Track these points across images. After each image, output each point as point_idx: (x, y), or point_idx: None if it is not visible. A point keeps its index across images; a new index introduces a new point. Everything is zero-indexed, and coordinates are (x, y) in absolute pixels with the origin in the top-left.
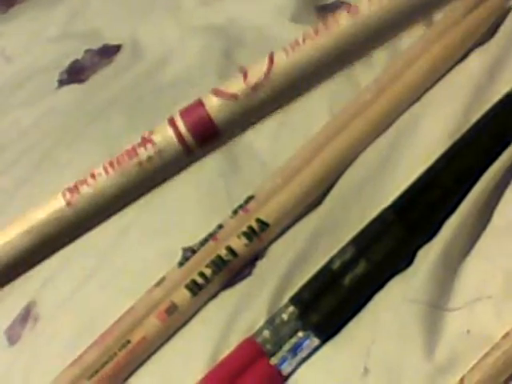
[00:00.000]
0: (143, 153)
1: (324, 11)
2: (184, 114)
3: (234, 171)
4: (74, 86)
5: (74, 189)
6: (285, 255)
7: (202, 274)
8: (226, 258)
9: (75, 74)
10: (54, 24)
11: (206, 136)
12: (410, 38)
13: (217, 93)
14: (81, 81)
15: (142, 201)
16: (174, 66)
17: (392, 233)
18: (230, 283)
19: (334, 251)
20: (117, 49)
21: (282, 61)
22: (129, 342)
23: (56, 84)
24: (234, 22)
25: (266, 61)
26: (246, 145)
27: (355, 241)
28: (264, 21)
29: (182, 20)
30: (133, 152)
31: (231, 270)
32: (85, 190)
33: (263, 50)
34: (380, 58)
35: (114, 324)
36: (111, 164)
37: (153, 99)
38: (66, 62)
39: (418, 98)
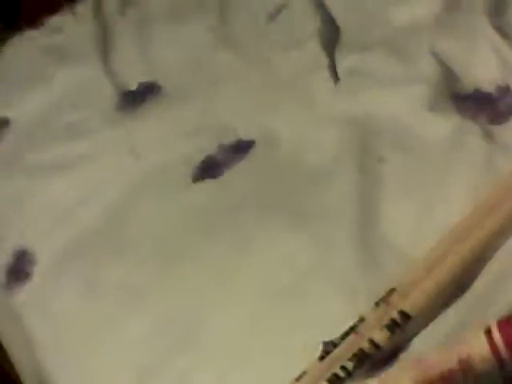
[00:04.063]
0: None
1: (461, 101)
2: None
3: (373, 264)
4: (209, 182)
5: None
6: (429, 346)
7: (343, 368)
8: (368, 351)
9: (209, 169)
10: (185, 120)
11: None
12: None
13: None
14: (215, 176)
15: (281, 296)
16: (310, 159)
17: None
18: (372, 376)
19: None
20: (251, 144)
21: None
22: None
23: (190, 179)
24: (370, 114)
25: None
26: (386, 237)
27: None
28: (400, 111)
29: (316, 113)
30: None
31: (373, 362)
32: None
33: (401, 140)
34: None
35: None
36: None
37: (289, 194)
38: (200, 158)
39: None
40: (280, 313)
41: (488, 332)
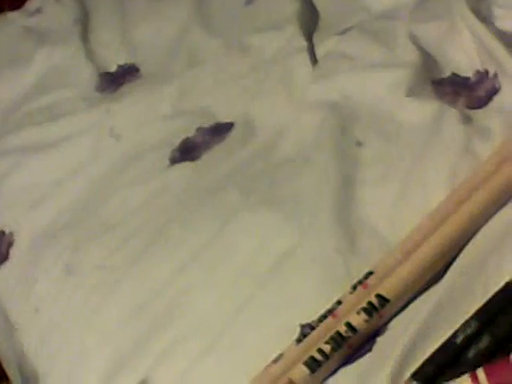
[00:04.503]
0: None
1: (440, 86)
2: (490, 375)
3: (351, 247)
4: (186, 164)
5: None
6: (406, 330)
7: (320, 351)
8: (345, 334)
9: (187, 152)
10: (164, 103)
11: None
12: None
13: None
14: (193, 159)
15: (259, 278)
16: (288, 143)
17: None
18: (349, 359)
19: (457, 325)
20: (229, 127)
21: None
22: None
23: (168, 162)
24: (349, 98)
25: None
26: (364, 220)
27: (478, 314)
28: (379, 96)
29: (295, 97)
30: None
31: (351, 346)
32: None
33: (380, 124)
34: (498, 131)
35: None
36: None
37: (267, 176)
38: (178, 140)
39: None
40: (258, 295)
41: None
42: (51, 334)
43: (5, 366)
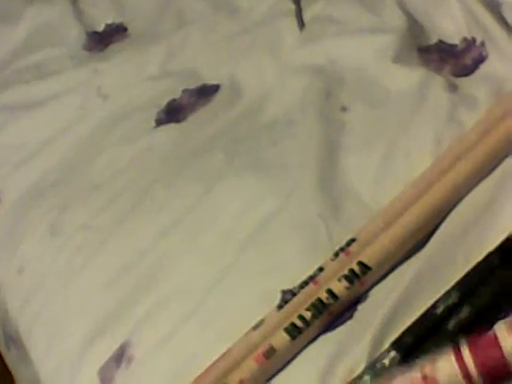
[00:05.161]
0: None
1: (426, 53)
2: (474, 351)
3: (334, 213)
4: (172, 126)
5: None
6: (387, 299)
7: (301, 317)
8: (326, 301)
9: (173, 113)
10: (151, 63)
11: (497, 379)
12: None
13: None
14: (178, 120)
15: (241, 243)
16: (273, 106)
17: (497, 277)
18: (330, 327)
19: (438, 295)
20: (215, 88)
21: None
22: None
23: (153, 123)
24: (335, 63)
25: None
26: (347, 187)
27: (459, 285)
28: (365, 61)
29: (281, 60)
30: None
31: (331, 313)
32: None
33: (365, 90)
34: (484, 99)
35: (210, 366)
36: None
37: (252, 139)
38: (164, 102)
39: None
40: (241, 259)
41: (458, 355)
42: (35, 294)
43: None
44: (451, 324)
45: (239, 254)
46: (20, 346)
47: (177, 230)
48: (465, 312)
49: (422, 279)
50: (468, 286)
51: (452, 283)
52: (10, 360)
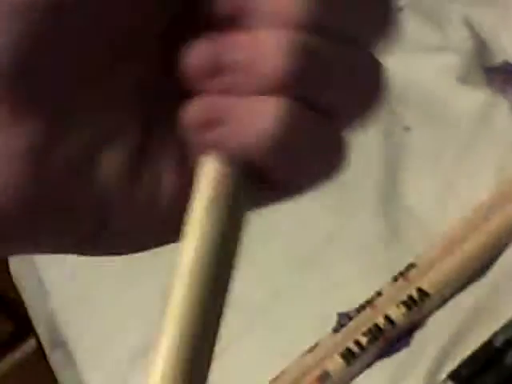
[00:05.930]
0: None
1: (492, 73)
2: None
3: (395, 237)
4: None
5: None
6: (445, 327)
7: (357, 343)
8: (383, 326)
9: None
10: None
11: None
12: None
13: None
14: None
15: (299, 262)
16: None
17: None
18: (386, 353)
19: (497, 326)
20: None
21: None
22: None
23: None
24: (398, 79)
25: None
26: (409, 210)
27: None
28: (429, 80)
29: None
30: None
31: (387, 339)
32: None
33: (427, 109)
34: None
35: None
36: None
37: None
38: None
39: None
40: (297, 280)
41: None
42: (86, 302)
43: (35, 323)
44: (510, 358)
45: (297, 273)
46: (67, 351)
47: None
48: None
49: (482, 309)
50: None
51: None
52: (55, 363)
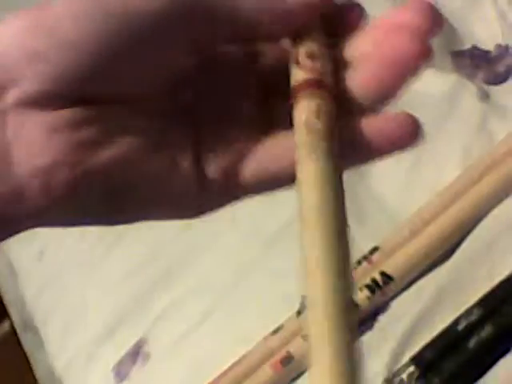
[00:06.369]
0: None
1: (459, 57)
2: None
3: (359, 220)
4: None
5: None
6: (408, 311)
7: None
8: None
9: None
10: None
11: None
12: None
13: None
14: None
15: (263, 243)
16: None
17: None
18: None
19: (460, 311)
20: None
21: None
22: None
23: None
24: None
25: None
26: (374, 194)
27: (482, 302)
28: None
29: None
30: None
31: None
32: None
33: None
34: None
35: (225, 371)
36: None
37: None
38: None
39: None
40: (264, 261)
41: None
42: (52, 283)
43: (8, 306)
44: (472, 342)
45: (264, 254)
46: (35, 333)
47: (202, 223)
48: (487, 331)
49: (445, 293)
50: (491, 303)
51: (475, 299)
52: (27, 344)
